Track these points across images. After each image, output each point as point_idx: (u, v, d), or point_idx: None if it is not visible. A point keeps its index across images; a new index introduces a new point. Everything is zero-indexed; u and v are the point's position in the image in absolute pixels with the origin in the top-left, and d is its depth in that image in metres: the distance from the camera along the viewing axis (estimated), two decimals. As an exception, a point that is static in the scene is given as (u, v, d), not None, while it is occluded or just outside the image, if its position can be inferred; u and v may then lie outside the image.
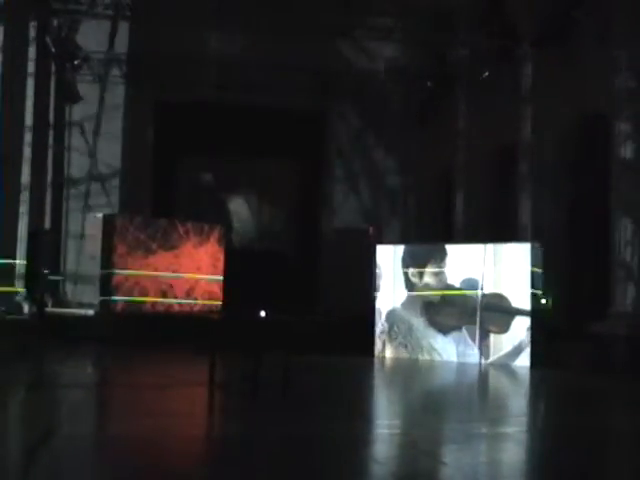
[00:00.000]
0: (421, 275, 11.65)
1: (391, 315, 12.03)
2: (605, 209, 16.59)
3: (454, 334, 12.16)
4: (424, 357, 12.21)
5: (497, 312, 12.61)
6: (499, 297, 12.90)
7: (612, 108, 16.44)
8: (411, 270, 11.92)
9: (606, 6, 16.84)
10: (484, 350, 12.51)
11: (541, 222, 18.52)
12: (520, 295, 15.40)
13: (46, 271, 20.31)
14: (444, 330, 11.98)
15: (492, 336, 12.71)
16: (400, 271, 12.71)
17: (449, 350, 11.96)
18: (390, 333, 12.05)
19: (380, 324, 12.05)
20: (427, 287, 11.78)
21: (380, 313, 12.63)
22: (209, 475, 6.17)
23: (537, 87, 18.84)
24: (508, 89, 19.57)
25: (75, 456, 6.61)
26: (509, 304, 12.96)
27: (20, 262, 18.55)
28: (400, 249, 13.97)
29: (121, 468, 6.12)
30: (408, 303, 11.40)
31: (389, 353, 12.17)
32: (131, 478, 5.90)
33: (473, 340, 12.41)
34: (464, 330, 12.40)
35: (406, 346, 11.79)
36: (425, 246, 13.25)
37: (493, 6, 20.46)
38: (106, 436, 7.70)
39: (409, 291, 11.94)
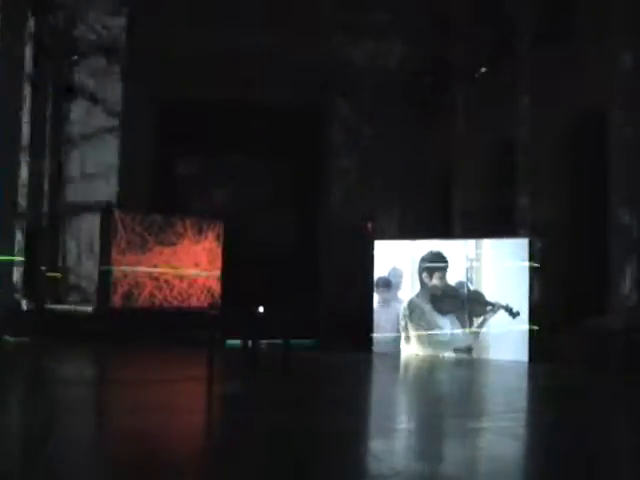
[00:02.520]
0: (431, 277, 15.54)
1: (411, 303, 15.73)
2: (604, 204, 16.60)
3: (449, 316, 15.55)
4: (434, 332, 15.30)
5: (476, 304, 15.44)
6: (478, 293, 15.51)
7: (611, 104, 16.44)
8: (424, 274, 15.73)
9: (605, 2, 16.83)
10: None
11: (540, 218, 18.52)
12: (516, 290, 15.91)
13: (44, 268, 20.34)
14: (443, 313, 15.44)
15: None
16: (415, 266, 16.17)
17: (447, 327, 15.35)
18: (411, 316, 15.65)
19: (402, 309, 15.86)
20: (434, 286, 15.60)
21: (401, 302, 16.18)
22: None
23: (536, 83, 18.81)
24: (507, 85, 19.56)
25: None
26: (485, 299, 15.45)
27: (19, 259, 18.53)
28: (415, 247, 16.70)
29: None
30: (421, 295, 15.57)
31: (411, 332, 15.58)
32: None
33: (461, 325, 15.52)
34: (455, 317, 15.55)
35: (421, 325, 15.51)
36: (434, 254, 15.94)
37: (492, 1, 20.46)
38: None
39: (422, 287, 15.75)
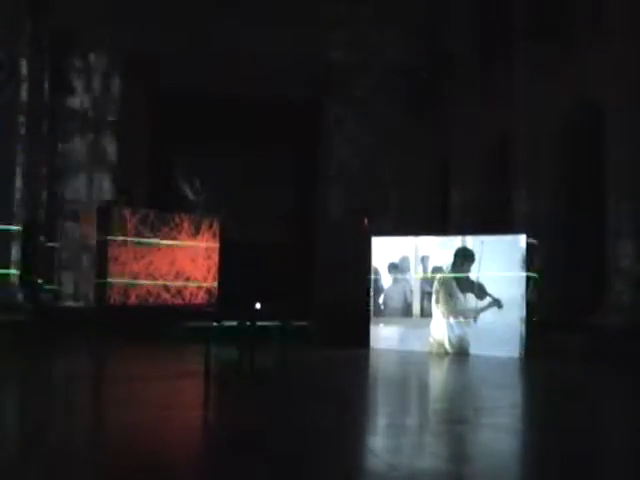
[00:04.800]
0: (462, 265, 17.40)
1: (442, 279, 17.63)
2: (602, 199, 16.62)
3: (466, 293, 17.46)
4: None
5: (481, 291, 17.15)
6: (482, 284, 17.13)
7: (608, 99, 16.44)
8: (458, 261, 17.41)
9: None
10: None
11: (537, 214, 18.56)
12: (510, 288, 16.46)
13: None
14: (462, 291, 17.37)
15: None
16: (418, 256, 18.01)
17: (463, 299, 17.38)
18: (441, 288, 17.63)
19: (435, 283, 17.74)
20: (460, 270, 17.52)
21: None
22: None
23: (533, 78, 18.82)
24: (504, 80, 19.57)
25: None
26: (485, 289, 17.09)
27: (15, 254, 18.53)
28: (417, 242, 18.11)
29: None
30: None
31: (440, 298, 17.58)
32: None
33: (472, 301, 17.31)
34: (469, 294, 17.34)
35: (447, 295, 17.56)
36: (467, 249, 17.39)
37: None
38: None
39: (452, 269, 17.54)
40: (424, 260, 17.53)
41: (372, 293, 18.33)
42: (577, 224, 18.24)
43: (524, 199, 19.03)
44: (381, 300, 18.14)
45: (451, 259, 17.39)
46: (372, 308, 18.28)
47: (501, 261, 16.72)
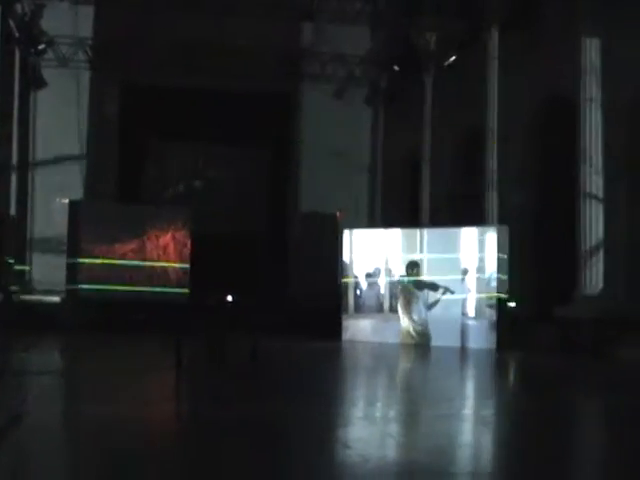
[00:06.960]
0: (412, 270, 18.74)
1: (402, 284, 18.85)
2: (572, 192, 16.69)
3: (424, 290, 18.77)
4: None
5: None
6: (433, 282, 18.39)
7: (579, 91, 16.48)
8: (409, 269, 18.76)
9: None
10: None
11: (508, 206, 18.63)
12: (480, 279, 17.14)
13: (11, 260, 20.13)
14: (419, 289, 18.62)
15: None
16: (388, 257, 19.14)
17: (422, 295, 18.71)
18: (402, 290, 18.88)
19: (399, 288, 19.08)
20: (414, 275, 18.78)
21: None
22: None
23: (504, 70, 18.86)
24: (475, 72, 19.60)
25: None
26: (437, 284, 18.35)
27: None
28: (386, 239, 19.01)
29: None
30: (406, 280, 18.85)
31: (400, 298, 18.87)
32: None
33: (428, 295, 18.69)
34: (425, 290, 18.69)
35: (408, 294, 18.83)
36: (414, 261, 18.61)
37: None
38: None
39: (407, 275, 18.86)
40: (390, 272, 18.94)
41: (350, 293, 19.08)
42: (549, 216, 18.32)
43: (496, 191, 19.06)
44: (360, 300, 19.50)
45: (404, 271, 18.80)
46: (350, 305, 19.01)
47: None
